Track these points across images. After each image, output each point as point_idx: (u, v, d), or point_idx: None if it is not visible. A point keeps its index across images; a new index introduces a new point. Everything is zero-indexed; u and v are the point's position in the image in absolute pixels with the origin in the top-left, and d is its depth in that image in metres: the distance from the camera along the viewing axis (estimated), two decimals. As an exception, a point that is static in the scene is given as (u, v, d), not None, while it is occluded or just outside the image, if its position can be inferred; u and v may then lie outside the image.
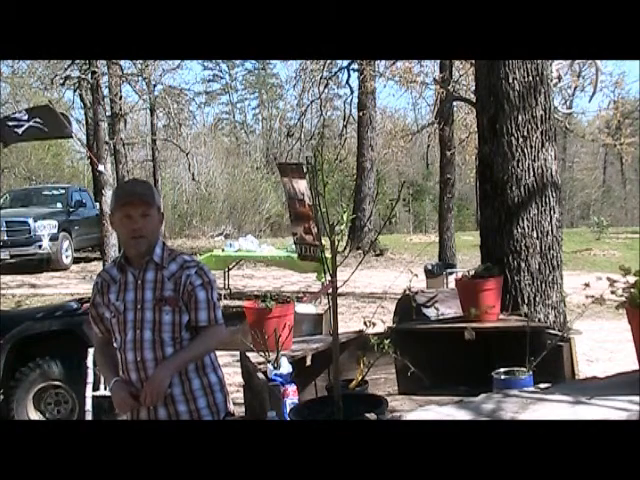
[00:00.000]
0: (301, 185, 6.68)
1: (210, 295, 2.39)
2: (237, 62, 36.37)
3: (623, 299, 2.28)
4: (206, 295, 2.38)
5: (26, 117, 8.11)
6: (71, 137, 8.95)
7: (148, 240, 2.37)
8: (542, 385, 2.55)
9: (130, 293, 2.37)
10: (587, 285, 2.79)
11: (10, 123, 8.14)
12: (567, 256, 11.82)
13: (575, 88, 11.52)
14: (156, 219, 2.41)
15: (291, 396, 2.97)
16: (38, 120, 8.08)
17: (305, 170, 6.49)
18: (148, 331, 2.33)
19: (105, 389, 4.61)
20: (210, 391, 2.43)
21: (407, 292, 3.79)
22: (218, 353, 2.60)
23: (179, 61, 14.80)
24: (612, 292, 2.34)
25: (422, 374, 3.35)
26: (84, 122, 20.97)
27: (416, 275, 3.70)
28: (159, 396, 2.27)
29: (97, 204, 13.23)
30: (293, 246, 9.67)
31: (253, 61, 34.59)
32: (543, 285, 4.12)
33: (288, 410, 2.63)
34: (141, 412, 2.37)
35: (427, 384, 3.46)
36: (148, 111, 21.85)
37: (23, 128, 8.09)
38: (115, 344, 2.43)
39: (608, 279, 2.36)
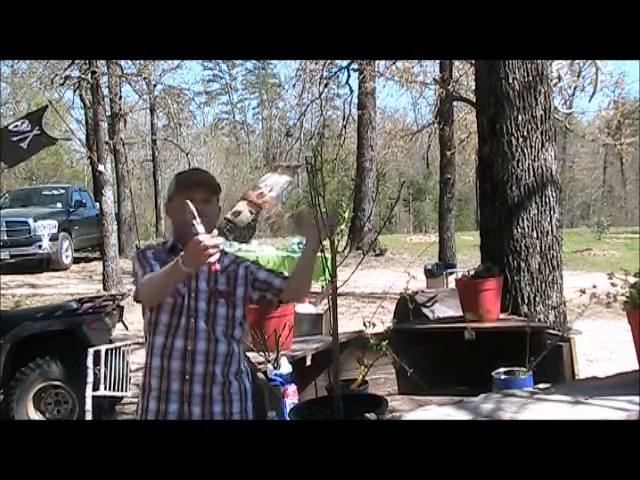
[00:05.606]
0: (275, 179, 6.62)
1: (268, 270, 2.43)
2: (237, 62, 36.48)
3: (623, 299, 2.29)
4: (266, 270, 2.41)
5: (29, 127, 7.58)
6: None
7: (209, 221, 2.20)
8: (542, 385, 2.55)
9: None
10: (583, 292, 2.80)
11: (14, 138, 7.52)
12: (567, 256, 11.82)
13: (575, 88, 11.52)
14: (216, 208, 2.34)
15: (291, 396, 2.97)
16: (39, 128, 7.69)
17: (299, 171, 6.51)
18: (202, 321, 2.25)
19: (105, 389, 4.61)
20: (244, 397, 2.37)
21: (403, 294, 3.80)
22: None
23: (179, 61, 14.82)
24: (612, 286, 2.34)
25: (419, 377, 3.36)
26: (84, 122, 20.98)
27: (414, 277, 3.70)
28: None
29: (97, 204, 13.22)
30: (293, 246, 9.69)
31: (253, 61, 34.67)
32: (543, 285, 4.13)
33: (288, 410, 2.63)
34: (171, 409, 2.28)
35: (426, 385, 3.47)
36: (148, 111, 21.91)
37: (28, 140, 7.58)
38: (158, 328, 2.27)
39: (608, 276, 2.37)
